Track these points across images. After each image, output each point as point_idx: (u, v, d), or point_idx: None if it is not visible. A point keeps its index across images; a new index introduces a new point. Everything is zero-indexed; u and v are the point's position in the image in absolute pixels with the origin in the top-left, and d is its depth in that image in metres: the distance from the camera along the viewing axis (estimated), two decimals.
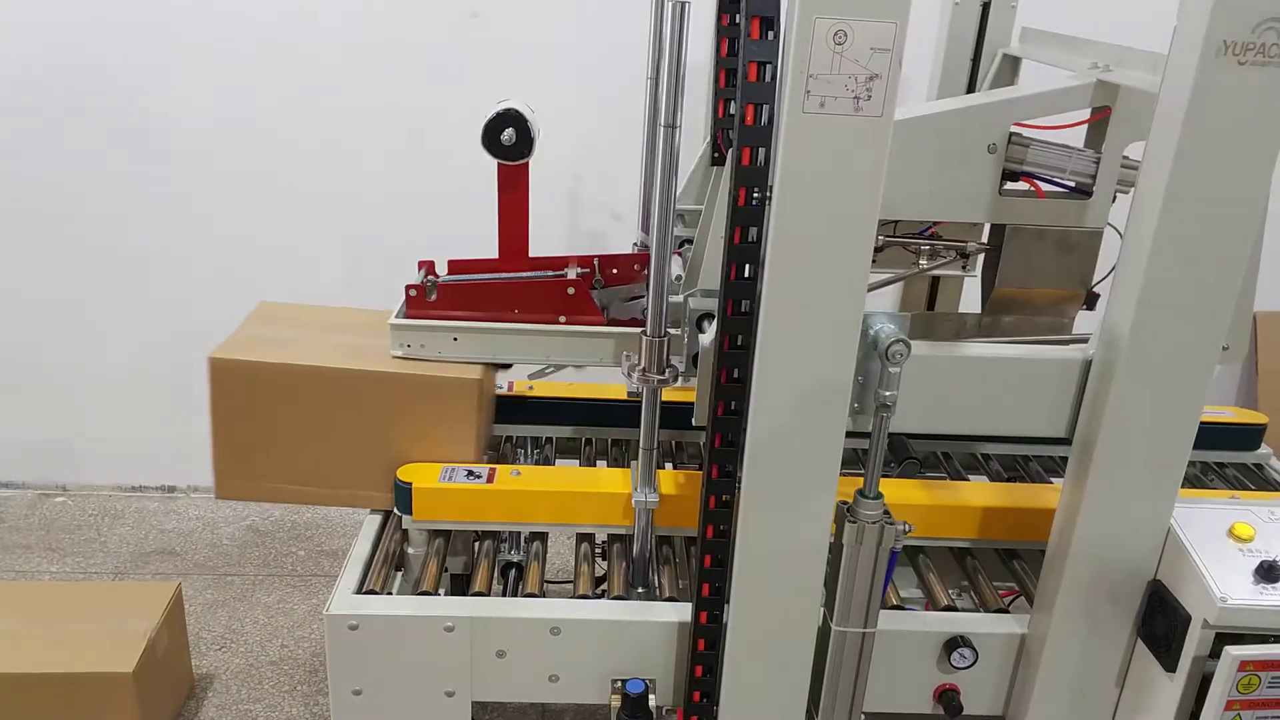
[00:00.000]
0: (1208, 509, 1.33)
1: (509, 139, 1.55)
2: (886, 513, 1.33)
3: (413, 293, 1.65)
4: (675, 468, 1.82)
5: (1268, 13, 1.09)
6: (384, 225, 2.66)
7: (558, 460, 1.89)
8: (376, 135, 2.61)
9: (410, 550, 1.64)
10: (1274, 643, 1.20)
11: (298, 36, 2.52)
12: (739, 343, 1.25)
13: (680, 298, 1.51)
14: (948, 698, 1.47)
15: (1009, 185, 1.43)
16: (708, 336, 1.37)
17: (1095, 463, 1.29)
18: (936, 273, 1.84)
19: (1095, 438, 1.29)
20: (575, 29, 2.53)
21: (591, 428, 1.93)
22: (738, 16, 1.54)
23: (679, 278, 1.59)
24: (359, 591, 1.49)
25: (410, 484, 1.57)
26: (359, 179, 2.65)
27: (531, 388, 1.93)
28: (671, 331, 1.47)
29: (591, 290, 1.67)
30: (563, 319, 1.64)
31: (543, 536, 1.68)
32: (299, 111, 2.58)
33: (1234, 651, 1.18)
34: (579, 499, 1.59)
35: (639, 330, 1.48)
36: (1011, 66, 1.88)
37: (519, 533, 1.69)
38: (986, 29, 1.86)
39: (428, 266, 1.68)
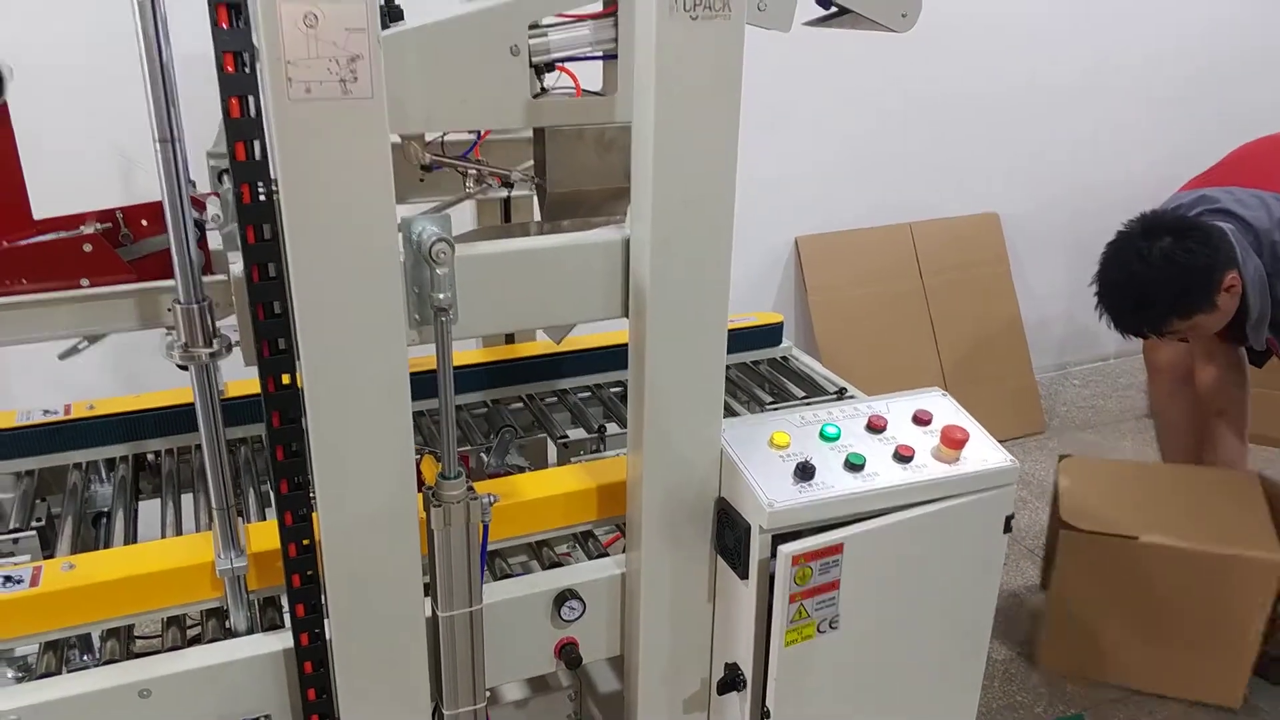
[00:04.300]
0: (749, 425, 1.47)
1: None
2: (470, 488, 1.34)
3: None
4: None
5: None
6: None
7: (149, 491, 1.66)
8: None
9: None
10: (816, 534, 1.34)
11: None
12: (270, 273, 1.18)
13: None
14: (567, 651, 1.51)
15: (551, 83, 1.40)
16: (237, 267, 1.24)
17: (647, 385, 1.36)
18: (487, 196, 1.81)
19: (644, 340, 1.34)
20: None
21: (180, 436, 1.72)
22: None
23: (216, 217, 1.41)
24: None
25: None
26: None
27: (92, 407, 1.69)
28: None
29: (120, 247, 1.43)
30: (85, 282, 1.39)
31: (122, 631, 1.42)
32: None
33: (785, 549, 1.31)
34: (153, 581, 1.35)
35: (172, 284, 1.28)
36: None
37: (89, 635, 1.43)
38: None
39: None
